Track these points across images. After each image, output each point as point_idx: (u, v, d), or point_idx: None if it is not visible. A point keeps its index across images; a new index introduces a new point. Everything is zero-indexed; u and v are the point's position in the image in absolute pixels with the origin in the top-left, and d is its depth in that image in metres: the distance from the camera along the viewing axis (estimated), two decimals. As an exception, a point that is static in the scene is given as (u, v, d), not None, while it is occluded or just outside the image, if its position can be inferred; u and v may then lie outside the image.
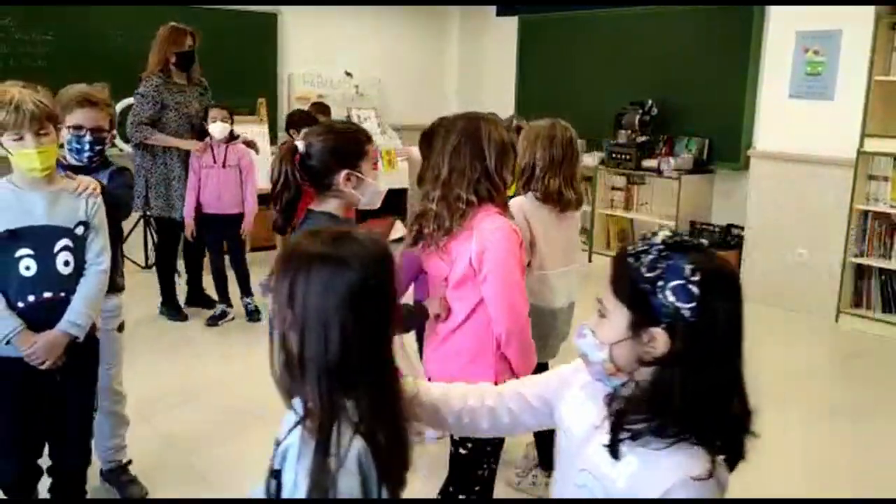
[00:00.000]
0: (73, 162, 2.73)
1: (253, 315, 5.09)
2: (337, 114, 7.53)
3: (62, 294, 2.36)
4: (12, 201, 2.31)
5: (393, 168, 7.70)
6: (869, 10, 5.16)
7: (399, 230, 8.37)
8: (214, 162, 4.84)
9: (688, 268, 1.21)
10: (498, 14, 8.24)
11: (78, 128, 2.70)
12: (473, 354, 2.20)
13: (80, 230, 2.38)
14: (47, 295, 2.33)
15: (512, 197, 2.70)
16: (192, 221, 4.87)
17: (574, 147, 2.86)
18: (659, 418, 1.22)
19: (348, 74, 7.83)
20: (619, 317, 1.27)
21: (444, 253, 2.18)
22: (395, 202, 7.82)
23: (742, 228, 6.10)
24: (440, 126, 2.30)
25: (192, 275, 5.30)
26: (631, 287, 1.25)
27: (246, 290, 5.12)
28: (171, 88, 4.91)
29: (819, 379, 4.59)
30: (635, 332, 1.25)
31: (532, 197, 2.81)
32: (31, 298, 2.32)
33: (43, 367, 2.32)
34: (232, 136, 4.91)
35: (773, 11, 5.79)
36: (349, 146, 2.18)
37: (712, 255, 1.28)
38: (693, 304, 1.20)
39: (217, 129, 4.80)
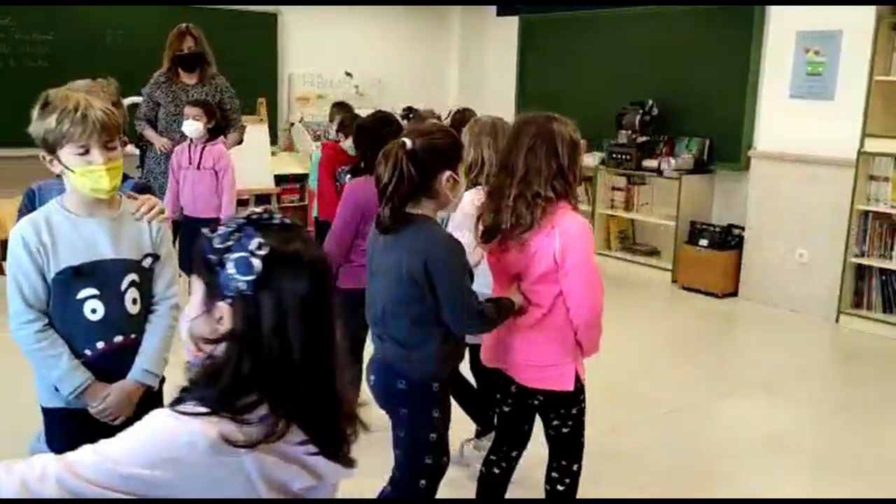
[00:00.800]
0: None
1: None
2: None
3: (133, 337, 2.05)
4: (70, 232, 1.95)
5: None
6: (869, 11, 5.15)
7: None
8: (190, 163, 4.60)
9: (256, 241, 1.16)
10: (498, 14, 8.24)
11: None
12: (558, 343, 2.37)
13: (147, 262, 2.06)
14: (118, 340, 2.03)
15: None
16: (171, 223, 4.78)
17: None
18: (205, 392, 1.17)
19: (348, 74, 7.83)
20: (198, 292, 1.23)
21: (524, 248, 2.29)
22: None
23: (742, 229, 6.09)
24: (514, 125, 2.41)
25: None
26: (202, 259, 1.20)
27: None
28: (166, 87, 4.91)
29: (819, 379, 4.59)
30: (208, 307, 1.20)
31: (482, 191, 2.86)
32: (100, 345, 2.00)
33: (115, 422, 2.00)
34: (212, 136, 4.63)
35: (774, 12, 5.79)
36: (453, 148, 2.21)
37: (296, 238, 1.21)
38: (251, 278, 1.15)
39: (189, 127, 4.53)
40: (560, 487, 2.55)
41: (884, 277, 5.32)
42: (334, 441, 1.23)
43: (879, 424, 3.90)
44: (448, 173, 2.15)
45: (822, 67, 5.47)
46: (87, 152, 1.89)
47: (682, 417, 3.89)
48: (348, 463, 1.26)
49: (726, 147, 6.31)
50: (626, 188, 6.89)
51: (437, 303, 2.14)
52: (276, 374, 1.16)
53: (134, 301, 2.03)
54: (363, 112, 7.65)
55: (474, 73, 8.56)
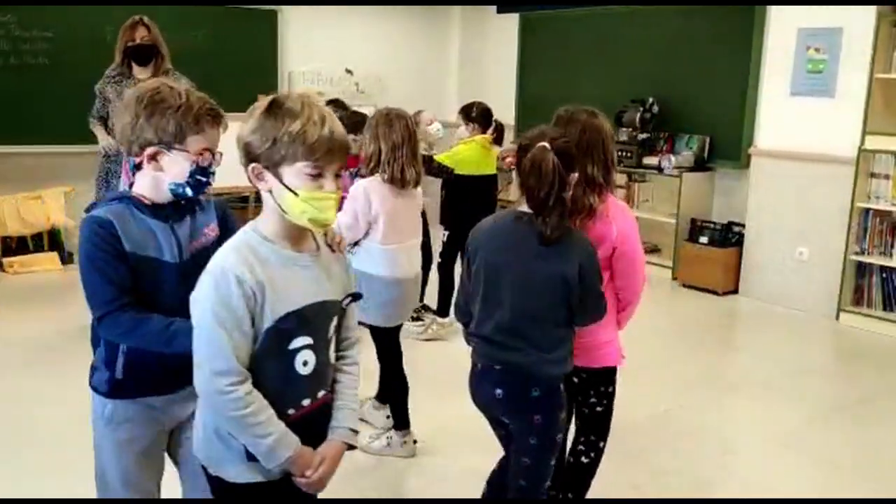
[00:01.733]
0: (171, 197, 1.86)
1: None
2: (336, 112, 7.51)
3: (329, 391, 1.78)
4: (283, 269, 1.64)
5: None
6: (870, 8, 5.15)
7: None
8: None
9: None
10: (499, 11, 8.23)
11: (205, 153, 1.84)
12: (608, 322, 2.45)
13: (346, 302, 1.79)
14: (321, 395, 1.74)
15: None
16: None
17: (410, 129, 3.17)
18: None
19: (349, 72, 7.82)
20: None
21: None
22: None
23: (743, 226, 6.09)
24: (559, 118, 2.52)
25: None
26: None
27: None
28: (117, 82, 4.66)
29: (820, 377, 4.59)
30: None
31: (379, 179, 3.13)
32: (306, 403, 1.70)
33: (318, 492, 1.75)
34: None
35: (775, 9, 5.78)
36: (574, 152, 2.26)
37: None
38: None
39: None
40: (584, 460, 2.65)
41: (884, 275, 5.31)
42: None
43: (880, 422, 3.90)
44: (576, 174, 2.22)
45: (823, 65, 5.46)
46: (320, 175, 1.59)
47: (681, 415, 3.90)
48: None
49: (727, 144, 6.30)
50: (627, 185, 6.89)
51: (580, 302, 2.22)
52: None
53: (334, 349, 1.78)
54: (364, 109, 7.66)
55: (475, 69, 8.55)
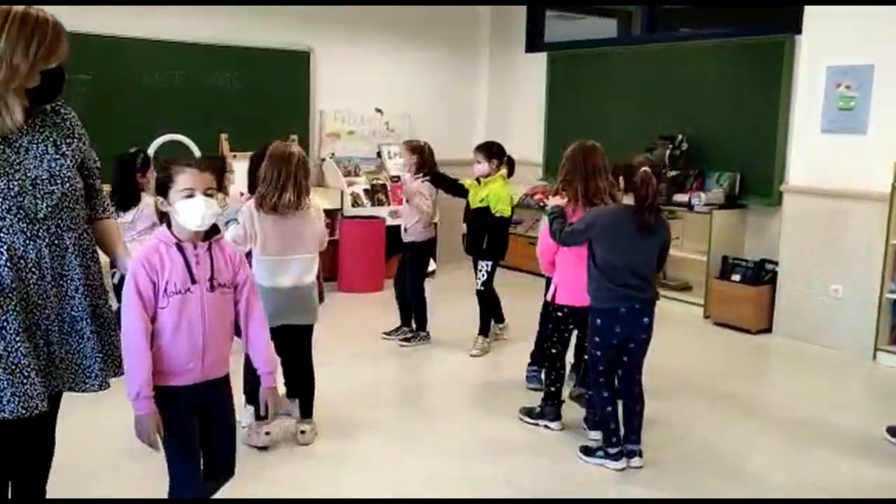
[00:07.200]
0: None
1: None
2: (366, 152, 7.63)
3: None
4: None
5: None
6: (901, 44, 5.13)
7: (431, 264, 8.31)
8: (194, 280, 2.30)
9: None
10: (527, 50, 8.32)
11: None
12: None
13: None
14: None
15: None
16: (154, 407, 2.22)
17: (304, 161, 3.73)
18: None
19: (378, 111, 7.92)
20: None
21: None
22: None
23: (776, 263, 6.02)
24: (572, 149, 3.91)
25: None
26: None
27: None
28: None
29: (856, 416, 4.49)
30: None
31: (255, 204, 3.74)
32: None
33: None
34: (215, 227, 2.40)
35: (804, 46, 5.77)
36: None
37: None
38: None
39: (196, 210, 2.28)
40: (585, 357, 3.83)
41: (922, 313, 5.21)
42: None
43: (920, 465, 3.79)
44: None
45: (854, 102, 5.43)
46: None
47: (714, 456, 3.82)
48: None
49: (758, 181, 6.27)
50: (657, 222, 6.85)
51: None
52: None
53: None
54: (393, 148, 7.75)
55: (503, 108, 8.62)
